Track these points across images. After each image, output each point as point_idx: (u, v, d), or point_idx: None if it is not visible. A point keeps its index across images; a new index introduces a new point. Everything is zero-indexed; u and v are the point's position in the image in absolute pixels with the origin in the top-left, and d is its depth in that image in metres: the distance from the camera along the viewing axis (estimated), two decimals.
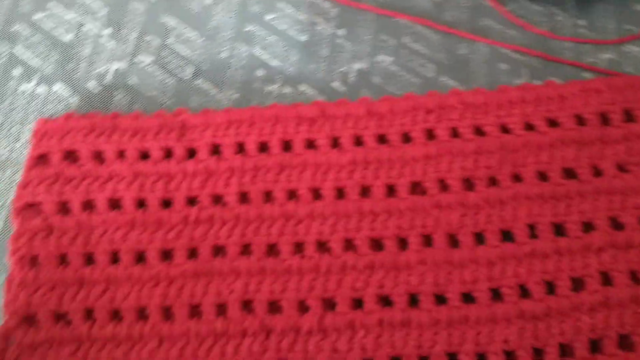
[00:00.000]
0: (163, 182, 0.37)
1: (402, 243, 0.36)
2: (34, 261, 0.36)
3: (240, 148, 0.38)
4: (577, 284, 0.34)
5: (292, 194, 0.37)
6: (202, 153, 0.38)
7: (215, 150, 0.38)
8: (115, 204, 0.37)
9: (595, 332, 0.33)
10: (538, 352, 0.33)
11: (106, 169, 0.38)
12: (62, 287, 0.35)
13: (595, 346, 0.33)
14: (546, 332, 0.33)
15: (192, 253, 0.36)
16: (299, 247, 0.36)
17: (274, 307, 0.35)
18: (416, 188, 0.37)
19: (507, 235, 0.36)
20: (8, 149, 0.42)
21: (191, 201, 0.37)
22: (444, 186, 0.37)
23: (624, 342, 0.33)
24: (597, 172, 0.36)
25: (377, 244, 0.36)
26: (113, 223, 0.37)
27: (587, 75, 0.41)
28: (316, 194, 0.37)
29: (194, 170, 0.38)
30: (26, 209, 0.37)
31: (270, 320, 0.34)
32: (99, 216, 0.37)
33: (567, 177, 0.36)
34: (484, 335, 0.33)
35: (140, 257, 0.36)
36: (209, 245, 0.36)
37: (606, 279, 0.34)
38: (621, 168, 0.36)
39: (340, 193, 0.37)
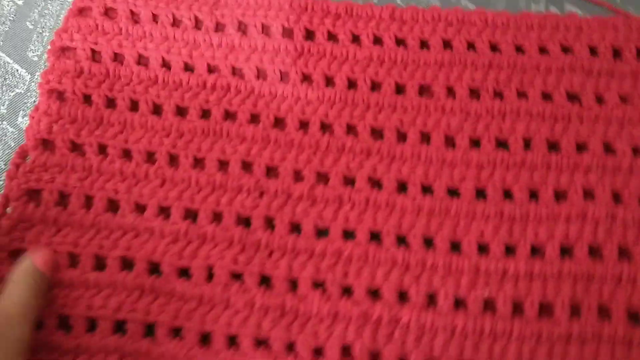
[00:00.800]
0: (188, 48, 0.40)
1: (401, 137, 0.38)
2: (60, 96, 0.39)
3: (266, 31, 0.40)
4: (559, 196, 0.35)
5: (306, 78, 0.39)
6: (229, 28, 0.40)
7: (241, 27, 0.40)
8: (142, 61, 0.40)
9: (568, 240, 0.34)
10: (510, 250, 0.34)
11: (140, 28, 0.40)
12: (82, 122, 0.38)
13: (566, 252, 0.34)
14: (520, 234, 0.34)
15: (205, 114, 0.38)
16: (304, 126, 0.38)
17: (271, 172, 0.37)
18: (424, 91, 0.39)
19: (502, 145, 0.37)
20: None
21: (211, 69, 0.40)
22: (451, 93, 0.38)
23: (595, 251, 0.34)
24: (600, 100, 0.38)
25: (378, 134, 0.38)
26: (137, 77, 0.39)
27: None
28: (329, 81, 0.39)
29: (219, 42, 0.40)
30: (61, 50, 0.40)
31: (266, 182, 0.36)
32: (126, 68, 0.39)
33: (570, 100, 0.38)
34: (461, 228, 0.35)
35: (157, 109, 0.38)
36: (221, 109, 0.38)
37: (589, 195, 0.35)
38: (623, 99, 0.37)
39: (351, 84, 0.39)
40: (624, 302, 0.33)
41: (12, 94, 0.42)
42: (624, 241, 0.34)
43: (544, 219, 0.35)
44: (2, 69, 0.42)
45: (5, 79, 0.42)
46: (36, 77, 0.42)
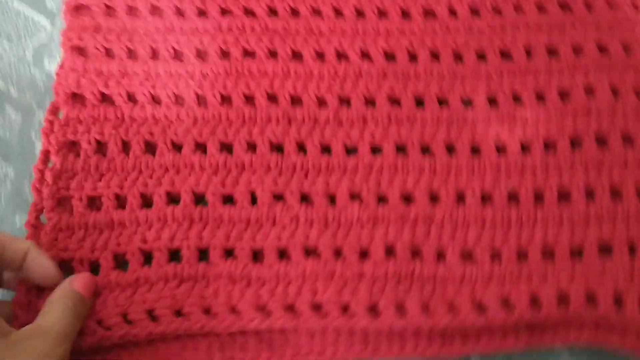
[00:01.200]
0: None
1: (412, 58, 0.40)
2: (83, 51, 0.40)
3: None
4: (564, 95, 0.39)
5: (316, 12, 0.41)
6: None
7: None
8: (156, 11, 0.41)
9: (577, 133, 0.37)
10: (526, 148, 0.37)
11: None
12: (107, 74, 0.39)
13: (576, 144, 0.38)
14: (533, 134, 0.37)
15: (224, 54, 0.40)
16: (320, 56, 0.40)
17: (296, 101, 0.39)
18: (428, 14, 0.41)
19: (506, 56, 0.40)
20: None
21: (224, 12, 0.41)
22: (452, 12, 0.41)
23: (602, 141, 0.37)
24: (588, 7, 0.41)
25: (390, 57, 0.40)
26: (153, 26, 0.41)
27: None
28: (337, 12, 0.41)
29: None
30: (76, 9, 0.41)
31: (292, 110, 0.38)
32: (141, 20, 0.41)
33: (562, 10, 0.41)
34: (479, 133, 0.38)
35: (178, 55, 0.40)
36: (240, 48, 0.40)
37: (590, 92, 0.38)
38: (611, 7, 0.41)
39: (359, 13, 0.41)
40: (633, 183, 0.36)
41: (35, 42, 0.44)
42: (626, 129, 0.37)
43: (553, 118, 0.38)
44: (23, 18, 0.44)
45: (27, 27, 0.44)
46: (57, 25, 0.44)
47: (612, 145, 0.37)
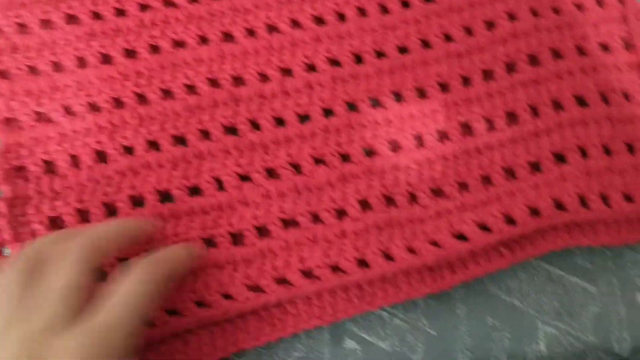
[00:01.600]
0: None
1: (341, 17, 0.41)
2: (4, 74, 0.38)
3: None
4: (489, 26, 0.40)
5: None
6: None
7: None
8: (72, 19, 0.40)
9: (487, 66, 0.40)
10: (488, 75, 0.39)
11: None
12: (37, 93, 0.37)
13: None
14: (471, 64, 0.39)
15: (154, 48, 0.39)
16: (251, 32, 0.40)
17: (238, 81, 0.39)
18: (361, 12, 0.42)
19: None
20: None
21: (144, 7, 0.40)
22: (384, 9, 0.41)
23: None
24: None
25: (320, 20, 0.40)
26: (73, 35, 0.39)
27: None
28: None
29: None
30: None
31: (237, 90, 0.38)
32: (58, 31, 0.39)
33: None
34: (421, 75, 0.39)
35: (105, 59, 0.39)
36: (168, 40, 0.39)
37: (513, 17, 0.41)
38: None
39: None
40: (570, 92, 0.38)
41: None
42: (552, 45, 0.40)
43: (487, 48, 0.40)
44: None
45: None
46: None
47: (543, 62, 0.39)
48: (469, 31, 0.40)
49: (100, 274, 0.30)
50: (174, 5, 0.40)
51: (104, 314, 0.27)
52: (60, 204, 0.35)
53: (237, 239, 0.35)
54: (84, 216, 0.35)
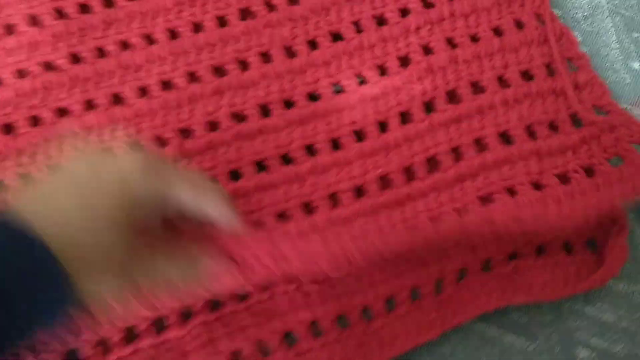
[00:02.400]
0: None
1: (243, 65, 0.37)
2: None
3: None
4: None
5: None
6: None
7: None
8: None
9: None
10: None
11: None
12: None
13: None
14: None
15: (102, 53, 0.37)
16: (198, 28, 0.38)
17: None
18: (246, 14, 0.39)
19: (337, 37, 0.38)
20: None
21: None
22: (270, 7, 0.39)
23: None
24: None
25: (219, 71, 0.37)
26: None
27: None
28: (150, 40, 0.38)
29: None
30: None
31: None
32: None
33: None
34: (333, 124, 0.36)
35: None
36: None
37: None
38: None
39: (173, 34, 0.38)
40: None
41: None
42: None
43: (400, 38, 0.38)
44: None
45: None
46: None
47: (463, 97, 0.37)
48: None
49: None
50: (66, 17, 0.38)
51: None
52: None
53: None
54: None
